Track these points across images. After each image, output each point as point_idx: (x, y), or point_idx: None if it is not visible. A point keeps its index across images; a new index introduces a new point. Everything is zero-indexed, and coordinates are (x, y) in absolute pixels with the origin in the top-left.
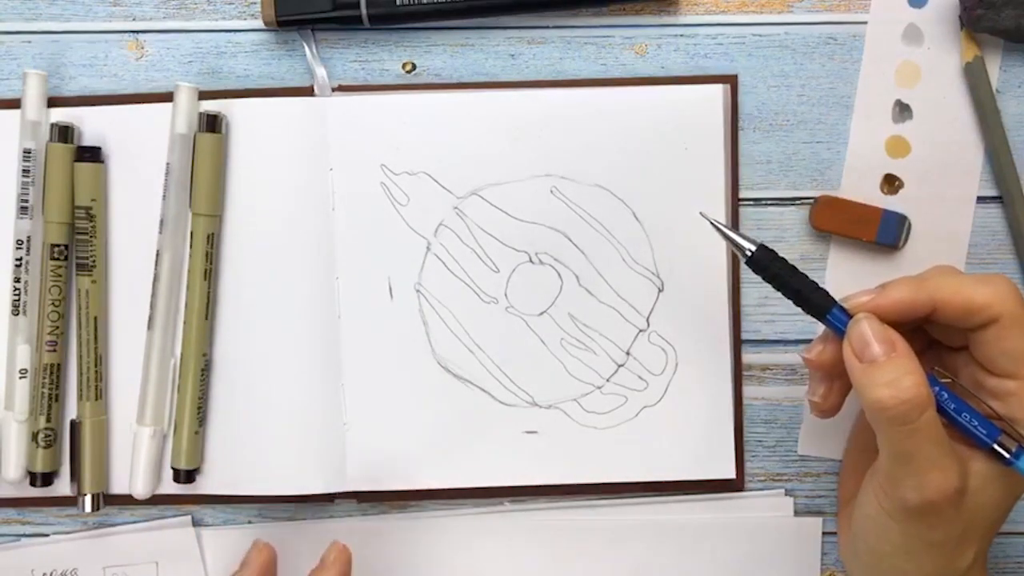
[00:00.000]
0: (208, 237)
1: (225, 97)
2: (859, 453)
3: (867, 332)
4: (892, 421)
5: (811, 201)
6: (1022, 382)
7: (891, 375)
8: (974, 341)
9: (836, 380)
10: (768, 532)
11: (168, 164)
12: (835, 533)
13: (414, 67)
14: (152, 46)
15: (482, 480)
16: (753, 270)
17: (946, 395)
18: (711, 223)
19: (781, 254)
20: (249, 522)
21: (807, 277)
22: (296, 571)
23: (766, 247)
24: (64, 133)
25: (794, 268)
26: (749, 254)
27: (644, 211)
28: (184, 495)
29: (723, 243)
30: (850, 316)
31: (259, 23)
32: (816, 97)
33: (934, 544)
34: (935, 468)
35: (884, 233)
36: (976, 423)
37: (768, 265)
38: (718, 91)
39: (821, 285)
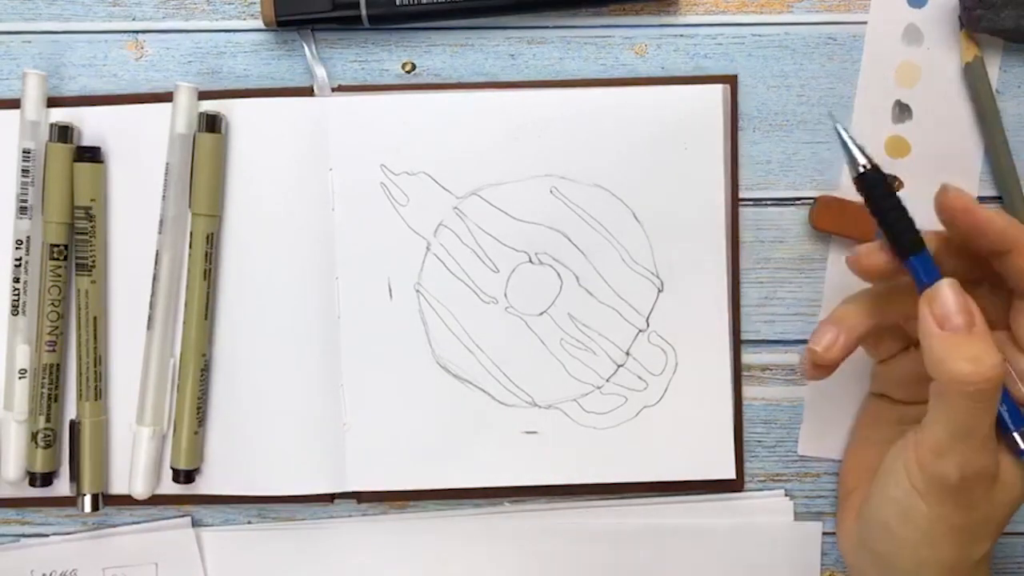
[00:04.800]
0: (208, 237)
1: (225, 97)
2: (864, 446)
3: (950, 299)
4: (969, 397)
5: (811, 201)
6: None
7: (975, 350)
8: (1016, 313)
9: (844, 331)
10: (768, 533)
11: (168, 164)
12: (835, 533)
13: (414, 67)
14: (152, 46)
15: (482, 480)
16: (857, 188)
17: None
18: (837, 128)
19: (781, 254)
20: (249, 522)
21: (906, 213)
22: (296, 571)
23: (878, 169)
24: (64, 133)
25: (898, 201)
26: (861, 171)
27: (644, 211)
28: (184, 495)
29: (723, 242)
30: (936, 269)
31: (259, 23)
32: (816, 97)
33: (956, 529)
34: (985, 449)
35: None
36: (1006, 407)
37: (871, 190)
38: (718, 91)
39: (819, 285)
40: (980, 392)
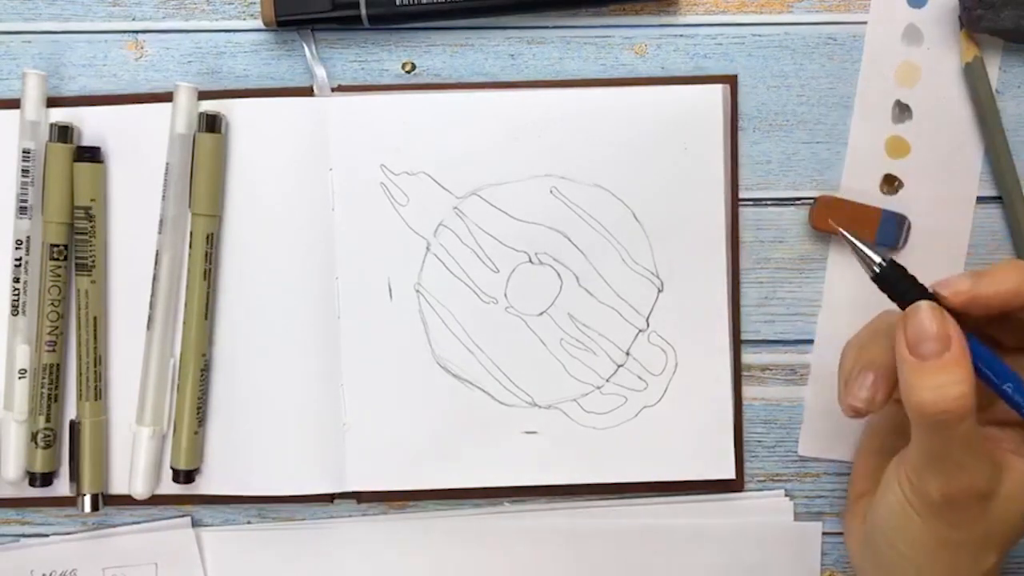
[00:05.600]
0: (208, 237)
1: (225, 97)
2: (870, 453)
3: (923, 324)
4: (931, 426)
5: (811, 201)
6: None
7: (939, 380)
8: None
9: (882, 378)
10: (768, 533)
11: (168, 164)
12: (835, 534)
13: (414, 67)
14: (151, 46)
15: (482, 480)
16: (879, 287)
17: (988, 357)
18: (843, 235)
19: (780, 254)
20: (249, 522)
21: (926, 290)
22: (296, 571)
23: (895, 263)
24: (64, 133)
25: (920, 286)
26: (877, 270)
27: (644, 211)
28: (183, 495)
29: (723, 242)
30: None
31: (258, 23)
32: (816, 97)
33: (952, 543)
34: (963, 470)
35: (884, 233)
36: (1017, 392)
37: (895, 283)
38: (718, 91)
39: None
40: (941, 423)
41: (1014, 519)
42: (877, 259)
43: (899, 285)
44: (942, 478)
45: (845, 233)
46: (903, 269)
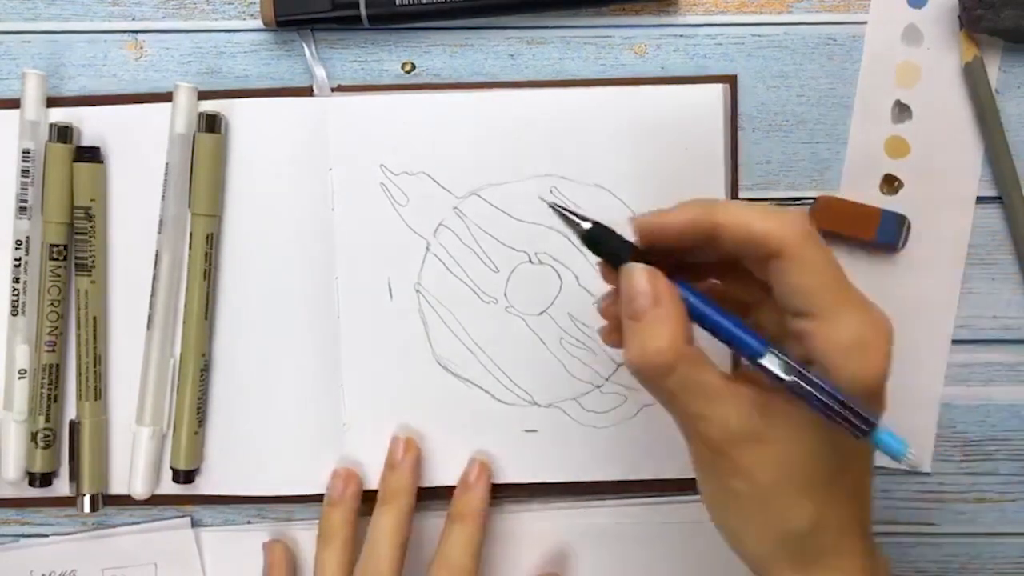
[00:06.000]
0: (207, 237)
1: (224, 97)
2: None
3: (633, 283)
4: (645, 383)
5: (811, 201)
6: (815, 321)
7: (643, 336)
8: (771, 280)
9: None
10: None
11: (167, 164)
12: None
13: (414, 67)
14: (151, 46)
15: None
16: (591, 250)
17: (702, 308)
18: (544, 200)
19: None
20: (248, 522)
21: (635, 246)
22: (296, 571)
23: (600, 224)
24: (63, 133)
25: (628, 243)
26: (585, 232)
27: (644, 211)
28: (183, 495)
29: None
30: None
31: (258, 23)
32: (816, 97)
33: (742, 496)
34: (705, 420)
35: (884, 233)
36: (745, 336)
37: (603, 242)
38: (718, 91)
39: None
40: (648, 378)
41: (802, 463)
42: (584, 224)
43: (607, 244)
44: (690, 430)
45: (544, 199)
46: (609, 230)
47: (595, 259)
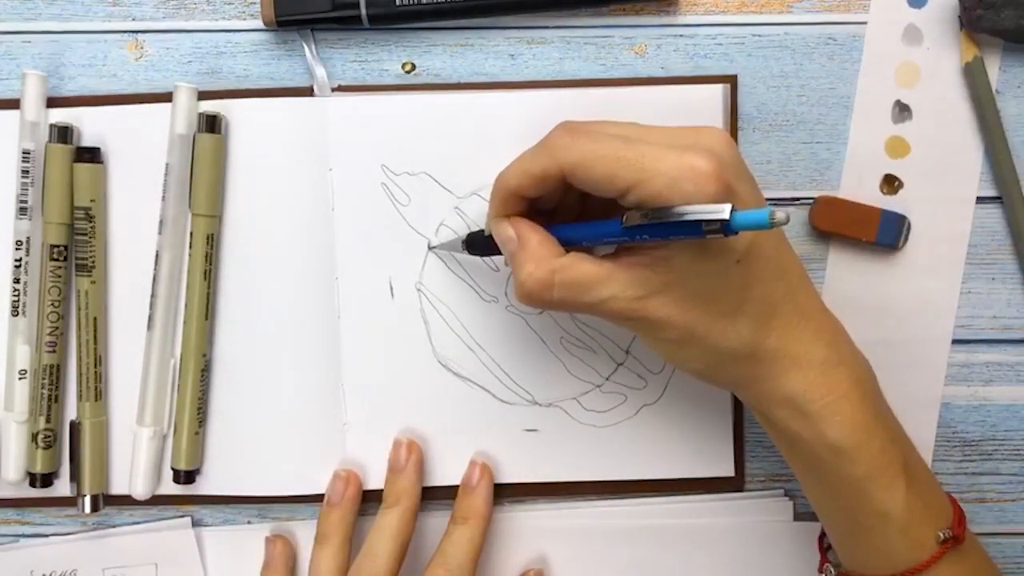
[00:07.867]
0: (208, 237)
1: (224, 97)
2: None
3: (501, 232)
4: (535, 306)
5: (811, 201)
6: (643, 184)
7: (517, 271)
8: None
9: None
10: (768, 533)
11: (167, 164)
12: None
13: (414, 67)
14: (151, 46)
15: None
16: (472, 253)
17: (568, 230)
18: (446, 225)
19: None
20: (249, 522)
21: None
22: (296, 571)
23: (476, 232)
24: (63, 133)
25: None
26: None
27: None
28: (184, 496)
29: None
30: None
31: (258, 23)
32: (816, 97)
33: (677, 341)
34: (602, 304)
35: (884, 233)
36: (602, 224)
37: (479, 245)
38: (718, 91)
39: (819, 285)
40: (534, 301)
41: (703, 290)
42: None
43: (479, 242)
44: (604, 316)
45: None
46: (480, 231)
47: None
